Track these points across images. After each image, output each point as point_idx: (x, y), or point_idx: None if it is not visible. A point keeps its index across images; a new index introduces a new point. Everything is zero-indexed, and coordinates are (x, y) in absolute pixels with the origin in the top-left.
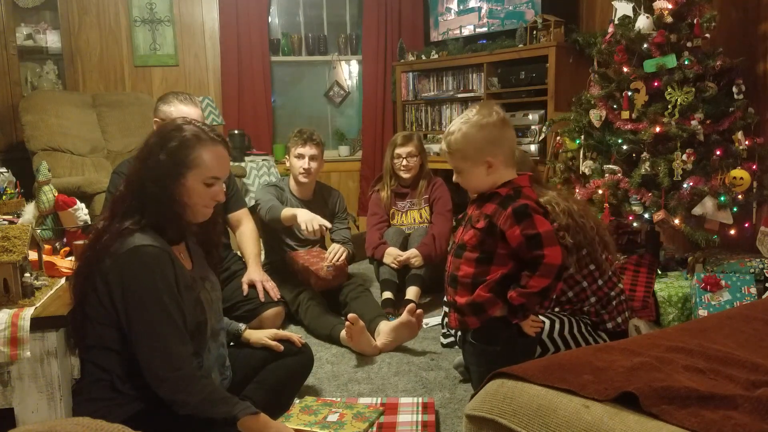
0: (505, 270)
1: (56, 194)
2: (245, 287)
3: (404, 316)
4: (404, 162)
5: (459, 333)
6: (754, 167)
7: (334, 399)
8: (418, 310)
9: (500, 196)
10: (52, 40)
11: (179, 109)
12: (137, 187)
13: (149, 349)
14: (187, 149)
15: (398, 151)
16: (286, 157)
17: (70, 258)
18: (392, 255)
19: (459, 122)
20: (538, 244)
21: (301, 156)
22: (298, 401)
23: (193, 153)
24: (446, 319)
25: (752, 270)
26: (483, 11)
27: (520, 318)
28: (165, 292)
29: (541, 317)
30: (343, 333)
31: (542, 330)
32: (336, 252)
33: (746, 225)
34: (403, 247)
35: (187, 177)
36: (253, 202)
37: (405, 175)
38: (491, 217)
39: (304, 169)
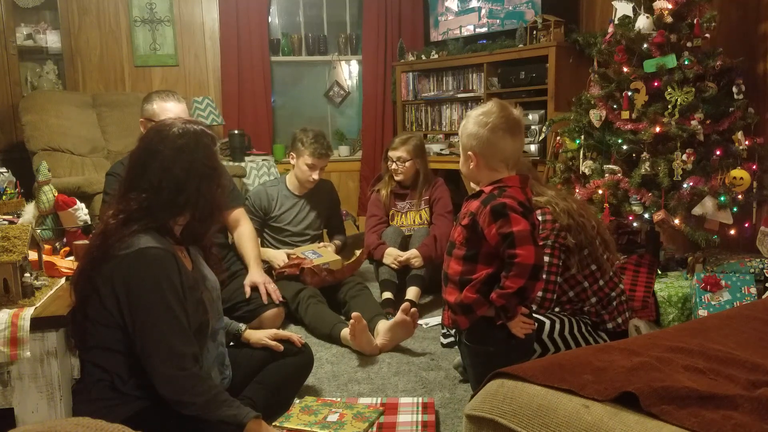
0: (490, 270)
1: (56, 194)
2: (248, 290)
3: (399, 315)
4: (393, 166)
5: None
6: (754, 167)
7: (334, 399)
8: (413, 309)
9: (485, 193)
10: (52, 40)
11: (162, 107)
12: (174, 188)
13: (155, 350)
14: (216, 155)
15: (390, 153)
16: (292, 154)
17: (70, 258)
18: (392, 255)
19: (473, 110)
20: (511, 243)
21: (313, 167)
22: (298, 401)
23: (217, 158)
24: None
25: (752, 270)
26: (483, 11)
27: (504, 319)
28: (170, 293)
29: (541, 317)
30: (343, 332)
31: (541, 330)
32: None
33: (746, 225)
34: (402, 247)
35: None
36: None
37: (396, 178)
38: (475, 215)
39: (313, 179)
